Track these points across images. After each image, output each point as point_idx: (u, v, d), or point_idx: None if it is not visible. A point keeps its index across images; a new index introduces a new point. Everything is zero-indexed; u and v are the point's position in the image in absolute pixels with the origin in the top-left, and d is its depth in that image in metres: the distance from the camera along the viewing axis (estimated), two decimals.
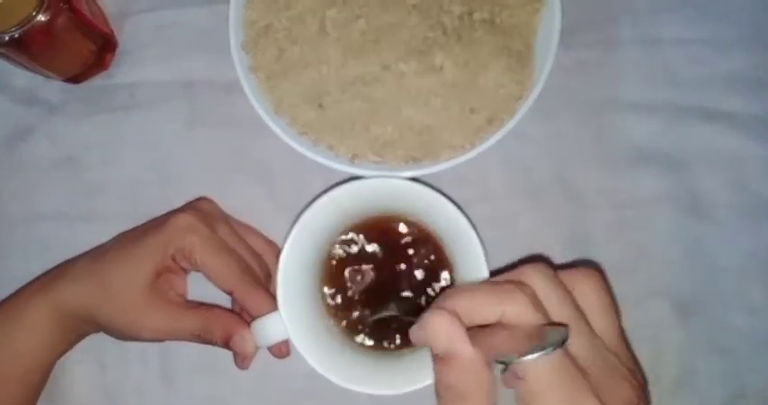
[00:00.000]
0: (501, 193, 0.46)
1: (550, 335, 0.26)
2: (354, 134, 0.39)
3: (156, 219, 0.44)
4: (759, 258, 0.46)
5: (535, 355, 0.25)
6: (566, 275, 0.30)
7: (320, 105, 0.39)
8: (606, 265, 0.45)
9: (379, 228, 0.41)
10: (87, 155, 0.48)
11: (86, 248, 0.46)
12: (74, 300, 0.40)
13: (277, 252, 0.44)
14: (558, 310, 0.28)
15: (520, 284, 0.28)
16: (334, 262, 0.41)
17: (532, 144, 0.47)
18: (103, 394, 0.45)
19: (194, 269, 0.42)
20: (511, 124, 0.38)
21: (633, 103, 0.48)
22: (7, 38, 0.38)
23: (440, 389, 0.27)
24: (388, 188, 0.38)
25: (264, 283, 0.43)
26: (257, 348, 0.41)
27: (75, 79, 0.48)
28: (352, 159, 0.39)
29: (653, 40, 0.48)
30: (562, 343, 0.25)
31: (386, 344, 0.41)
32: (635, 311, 0.43)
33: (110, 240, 0.44)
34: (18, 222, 0.47)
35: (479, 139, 0.39)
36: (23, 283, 0.46)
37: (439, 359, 0.27)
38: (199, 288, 0.43)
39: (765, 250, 0.46)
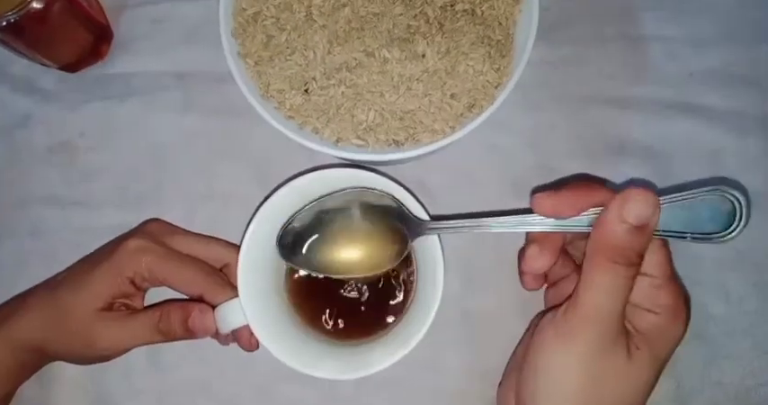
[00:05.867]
0: (484, 181, 0.48)
1: None
2: (338, 118, 0.40)
3: (108, 244, 0.45)
4: (736, 248, 0.46)
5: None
6: None
7: (306, 90, 0.40)
8: None
9: None
10: (82, 141, 0.49)
11: (80, 233, 0.47)
12: (27, 333, 0.41)
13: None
14: None
15: None
16: None
17: (516, 135, 0.48)
18: (90, 377, 0.45)
19: (159, 286, 0.43)
20: (490, 110, 0.39)
21: (614, 97, 0.49)
22: (4, 22, 0.40)
23: (628, 252, 0.32)
24: (347, 177, 0.39)
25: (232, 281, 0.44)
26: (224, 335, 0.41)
27: (71, 68, 0.49)
28: (337, 143, 0.40)
29: (634, 37, 0.50)
30: None
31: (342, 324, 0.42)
32: None
33: (63, 270, 0.45)
34: (13, 207, 0.48)
35: (459, 125, 0.39)
36: (17, 267, 0.47)
37: (638, 227, 0.32)
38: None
39: (742, 240, 0.46)
